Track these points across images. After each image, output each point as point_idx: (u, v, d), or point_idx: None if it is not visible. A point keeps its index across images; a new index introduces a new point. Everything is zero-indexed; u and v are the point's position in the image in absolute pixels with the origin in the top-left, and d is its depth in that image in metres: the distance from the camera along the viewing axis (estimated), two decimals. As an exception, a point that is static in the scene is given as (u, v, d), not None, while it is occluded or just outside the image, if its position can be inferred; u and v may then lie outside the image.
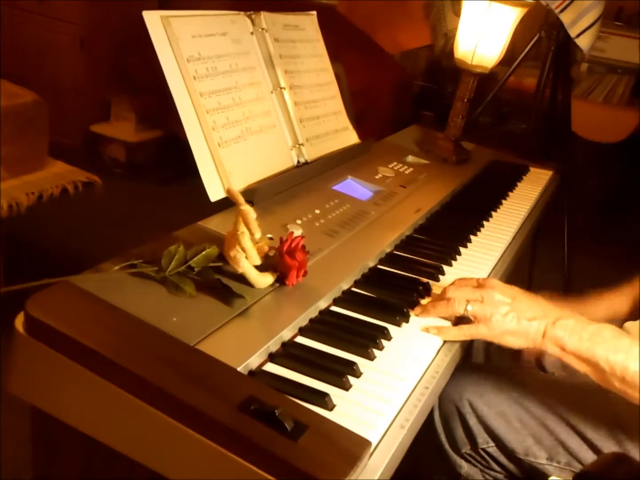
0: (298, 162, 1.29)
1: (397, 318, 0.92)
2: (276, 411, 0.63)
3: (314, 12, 1.46)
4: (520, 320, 0.89)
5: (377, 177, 1.40)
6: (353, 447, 0.64)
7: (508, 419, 1.07)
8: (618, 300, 1.24)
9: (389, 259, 1.12)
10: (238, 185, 1.10)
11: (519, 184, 1.67)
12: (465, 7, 1.57)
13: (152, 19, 1.04)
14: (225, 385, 0.68)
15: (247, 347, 0.77)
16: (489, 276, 1.13)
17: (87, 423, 0.71)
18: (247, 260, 0.86)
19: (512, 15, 1.55)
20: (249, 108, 1.18)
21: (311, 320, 0.89)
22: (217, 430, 0.63)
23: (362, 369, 0.80)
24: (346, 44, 2.98)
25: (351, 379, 0.78)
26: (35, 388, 0.74)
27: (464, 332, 0.91)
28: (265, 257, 0.91)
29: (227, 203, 1.04)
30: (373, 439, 0.68)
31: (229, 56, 1.17)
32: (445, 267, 1.12)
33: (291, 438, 0.62)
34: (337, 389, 0.76)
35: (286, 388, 0.73)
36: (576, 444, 1.04)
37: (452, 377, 0.94)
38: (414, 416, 0.76)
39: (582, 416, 1.04)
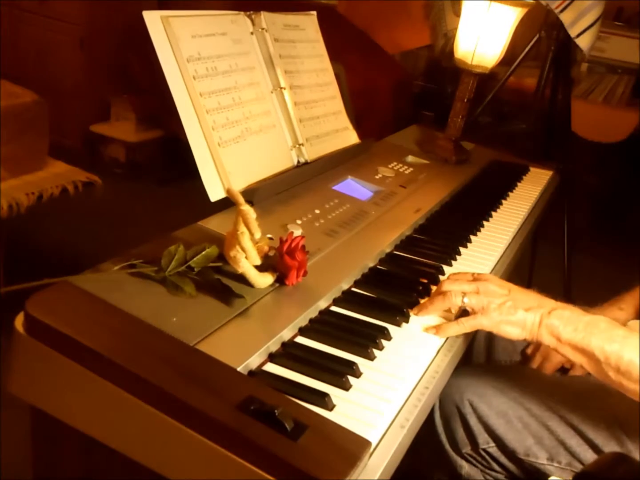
0: (298, 162, 1.29)
1: (397, 318, 0.92)
2: (276, 411, 0.63)
3: (314, 12, 1.46)
4: (517, 310, 0.89)
5: (377, 177, 1.40)
6: (353, 447, 0.64)
7: (509, 419, 1.07)
8: (620, 313, 1.24)
9: (389, 259, 1.12)
10: (238, 185, 1.10)
11: (519, 184, 1.67)
12: (465, 7, 1.57)
13: (152, 19, 1.04)
14: (225, 385, 0.68)
15: (247, 347, 0.77)
16: (488, 276, 1.13)
17: (87, 423, 0.71)
18: (247, 260, 0.86)
19: (512, 15, 1.55)
20: (249, 108, 1.18)
21: (311, 320, 0.89)
22: (216, 430, 0.63)
23: (362, 369, 0.80)
24: (346, 44, 2.98)
25: (351, 379, 0.78)
26: (35, 388, 0.74)
27: (464, 325, 0.91)
28: (265, 257, 0.91)
29: (227, 203, 1.04)
30: (373, 439, 0.68)
31: (229, 56, 1.17)
32: (445, 267, 1.12)
33: (291, 438, 0.62)
34: (337, 389, 0.76)
35: (286, 388, 0.73)
36: (577, 444, 1.03)
37: (452, 377, 0.94)
38: (414, 416, 0.76)
39: (583, 416, 1.04)
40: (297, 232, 1.03)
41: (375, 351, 0.84)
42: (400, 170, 1.49)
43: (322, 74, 1.44)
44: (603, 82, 3.48)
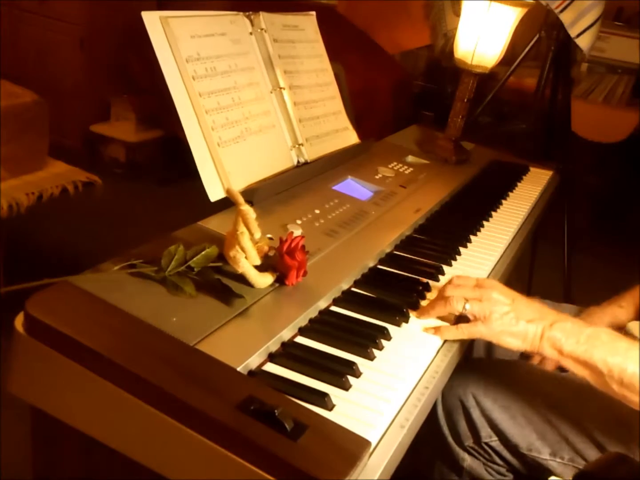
0: (298, 162, 1.29)
1: (397, 318, 0.92)
2: (276, 411, 0.63)
3: (314, 13, 1.46)
4: (519, 321, 0.89)
5: (377, 177, 1.40)
6: (353, 447, 0.64)
7: (512, 413, 1.07)
8: (621, 311, 1.24)
9: (388, 259, 1.12)
10: (238, 185, 1.10)
11: (519, 184, 1.67)
12: (465, 7, 1.57)
13: (151, 19, 1.04)
14: (225, 385, 0.69)
15: (247, 347, 0.77)
16: (488, 276, 1.13)
17: (87, 423, 0.72)
18: (246, 260, 0.86)
19: (512, 15, 1.55)
20: (249, 108, 1.18)
21: (311, 320, 0.89)
22: (216, 430, 0.63)
23: (361, 369, 0.80)
24: (346, 44, 2.98)
25: (351, 379, 0.78)
26: (35, 388, 0.74)
27: (463, 331, 0.91)
28: (265, 257, 0.91)
29: (227, 203, 1.04)
30: (373, 438, 0.68)
31: (228, 56, 1.17)
32: (445, 267, 1.12)
33: (291, 438, 0.62)
34: (336, 389, 0.76)
35: (286, 388, 0.73)
36: (580, 440, 1.03)
37: (456, 372, 0.94)
38: (414, 416, 0.76)
39: (586, 413, 1.04)
40: (297, 232, 1.03)
41: (375, 351, 0.84)
42: (400, 170, 1.49)
43: (322, 74, 1.44)
44: (603, 82, 3.48)
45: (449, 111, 1.68)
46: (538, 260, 2.53)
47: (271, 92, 1.26)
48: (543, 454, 1.06)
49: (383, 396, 0.76)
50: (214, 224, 1.03)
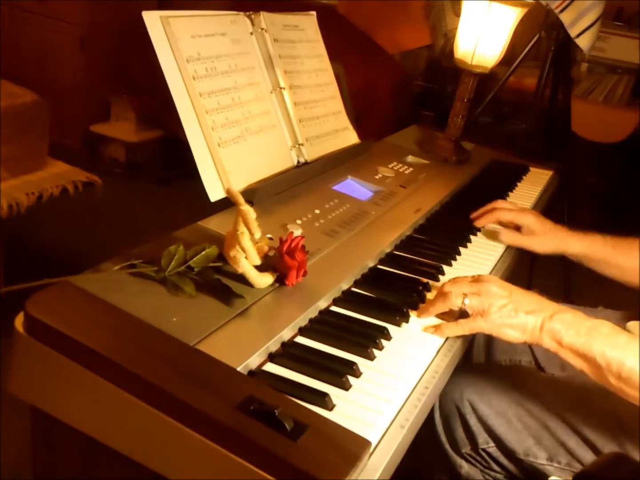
0: (298, 162, 1.29)
1: (397, 318, 0.92)
2: (276, 411, 0.63)
3: (314, 13, 1.46)
4: (518, 312, 0.89)
5: (377, 177, 1.40)
6: (353, 447, 0.64)
7: (508, 419, 1.07)
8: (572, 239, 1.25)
9: (388, 259, 1.12)
10: (238, 185, 1.10)
11: (519, 184, 1.67)
12: (465, 7, 1.57)
13: (152, 19, 1.04)
14: (225, 385, 0.68)
15: (247, 347, 0.77)
16: (488, 276, 1.13)
17: (87, 423, 0.71)
18: (246, 260, 0.86)
19: (512, 15, 1.55)
20: (249, 108, 1.18)
21: (311, 320, 0.89)
22: (217, 430, 0.63)
23: (362, 369, 0.80)
24: (346, 44, 2.98)
25: (351, 379, 0.78)
26: (35, 388, 0.74)
27: (463, 327, 0.91)
28: (265, 257, 0.91)
29: (227, 203, 1.04)
30: (373, 438, 0.68)
31: (229, 56, 1.17)
32: (445, 267, 1.12)
33: (291, 438, 0.62)
34: (336, 389, 0.76)
35: (286, 388, 0.73)
36: (576, 444, 1.03)
37: (452, 377, 0.94)
38: (414, 416, 0.76)
39: (583, 417, 1.04)
40: (297, 232, 1.03)
41: (375, 351, 0.84)
42: (400, 170, 1.49)
43: (322, 74, 1.44)
44: (603, 82, 3.48)
45: (449, 111, 1.68)
46: (538, 260, 2.52)
47: (271, 92, 1.26)
48: (540, 459, 1.05)
49: (383, 396, 0.76)
50: (214, 224, 1.03)
